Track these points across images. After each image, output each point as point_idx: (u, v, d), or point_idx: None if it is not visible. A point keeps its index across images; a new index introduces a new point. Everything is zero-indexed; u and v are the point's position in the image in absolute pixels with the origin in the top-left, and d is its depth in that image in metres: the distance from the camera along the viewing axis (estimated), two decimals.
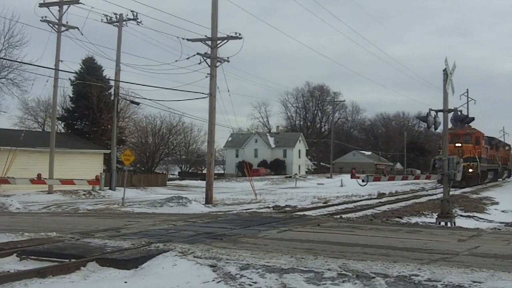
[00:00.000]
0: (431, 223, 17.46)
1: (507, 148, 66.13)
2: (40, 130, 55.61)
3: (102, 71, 49.25)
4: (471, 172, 39.88)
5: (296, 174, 77.68)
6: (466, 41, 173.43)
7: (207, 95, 28.13)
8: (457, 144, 39.55)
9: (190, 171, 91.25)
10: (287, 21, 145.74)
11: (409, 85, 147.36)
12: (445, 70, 17.53)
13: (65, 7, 32.53)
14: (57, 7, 32.56)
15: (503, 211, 24.04)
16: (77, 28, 32.78)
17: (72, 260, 8.41)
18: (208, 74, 27.90)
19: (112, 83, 43.18)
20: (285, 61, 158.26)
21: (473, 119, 20.15)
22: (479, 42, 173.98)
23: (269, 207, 23.63)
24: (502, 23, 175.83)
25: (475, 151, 41.13)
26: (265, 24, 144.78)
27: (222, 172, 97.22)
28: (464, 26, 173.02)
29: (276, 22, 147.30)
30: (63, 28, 32.98)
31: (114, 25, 36.52)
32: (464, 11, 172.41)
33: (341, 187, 47.56)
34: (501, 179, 59.24)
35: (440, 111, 18.31)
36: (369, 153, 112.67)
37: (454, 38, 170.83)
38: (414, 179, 25.38)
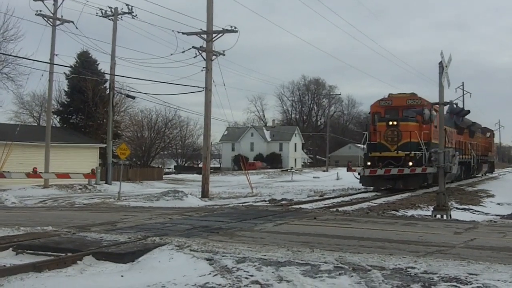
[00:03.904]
0: (427, 215, 17.49)
1: (488, 134, 50.90)
2: (36, 124, 55.48)
3: (97, 65, 49.18)
4: (413, 167, 26.00)
5: (292, 167, 77.74)
6: (464, 35, 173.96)
7: (202, 89, 28.08)
8: (391, 122, 27.30)
9: (186, 165, 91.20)
10: (285, 15, 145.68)
11: (406, 79, 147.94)
12: (440, 63, 17.53)
13: (59, 0, 32.35)
14: (51, 1, 32.40)
15: (498, 204, 24.09)
16: (72, 22, 32.68)
17: (69, 254, 8.38)
18: (203, 68, 27.85)
19: (107, 77, 43.10)
20: (283, 55, 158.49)
21: (468, 111, 20.22)
22: (477, 36, 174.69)
23: (265, 201, 23.64)
24: (500, 17, 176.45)
25: (420, 133, 27.09)
26: (263, 18, 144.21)
27: (218, 165, 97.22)
28: (462, 20, 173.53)
29: (274, 16, 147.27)
30: (58, 22, 32.82)
31: (109, 19, 36.43)
32: (463, 5, 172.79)
33: (337, 180, 47.60)
34: (480, 175, 45.25)
35: (436, 104, 18.37)
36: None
37: (452, 32, 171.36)
38: (410, 172, 25.35)
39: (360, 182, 28.83)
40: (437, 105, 26.60)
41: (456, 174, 30.74)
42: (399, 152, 26.58)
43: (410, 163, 26.11)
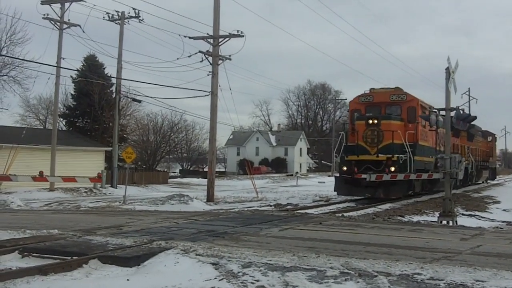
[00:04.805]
0: (433, 221, 17.45)
1: (489, 138, 47.29)
2: (42, 127, 55.68)
3: (104, 68, 49.31)
4: (395, 173, 23.25)
5: (297, 172, 77.62)
6: (470, 41, 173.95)
7: (209, 93, 28.12)
8: (370, 121, 24.11)
9: (191, 169, 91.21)
10: (292, 20, 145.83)
11: (412, 84, 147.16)
12: (447, 69, 17.49)
13: (67, 4, 32.53)
14: (59, 5, 32.57)
15: (505, 210, 23.98)
16: (79, 25, 32.83)
17: (74, 257, 8.40)
18: (209, 72, 27.90)
19: (113, 80, 43.19)
20: (289, 60, 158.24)
21: (475, 117, 20.05)
22: (482, 41, 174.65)
23: (270, 205, 23.62)
24: (506, 22, 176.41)
25: (404, 133, 24.16)
26: (269, 23, 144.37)
27: (224, 170, 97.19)
28: (468, 26, 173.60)
29: (280, 21, 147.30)
30: (65, 26, 32.99)
31: (116, 23, 36.58)
32: (468, 10, 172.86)
33: None
34: (480, 182, 41.45)
35: (442, 109, 18.34)
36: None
37: (458, 38, 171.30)
38: (416, 177, 25.16)
39: (335, 191, 25.71)
40: (424, 102, 24.98)
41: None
42: (380, 155, 23.54)
43: (393, 168, 23.24)
